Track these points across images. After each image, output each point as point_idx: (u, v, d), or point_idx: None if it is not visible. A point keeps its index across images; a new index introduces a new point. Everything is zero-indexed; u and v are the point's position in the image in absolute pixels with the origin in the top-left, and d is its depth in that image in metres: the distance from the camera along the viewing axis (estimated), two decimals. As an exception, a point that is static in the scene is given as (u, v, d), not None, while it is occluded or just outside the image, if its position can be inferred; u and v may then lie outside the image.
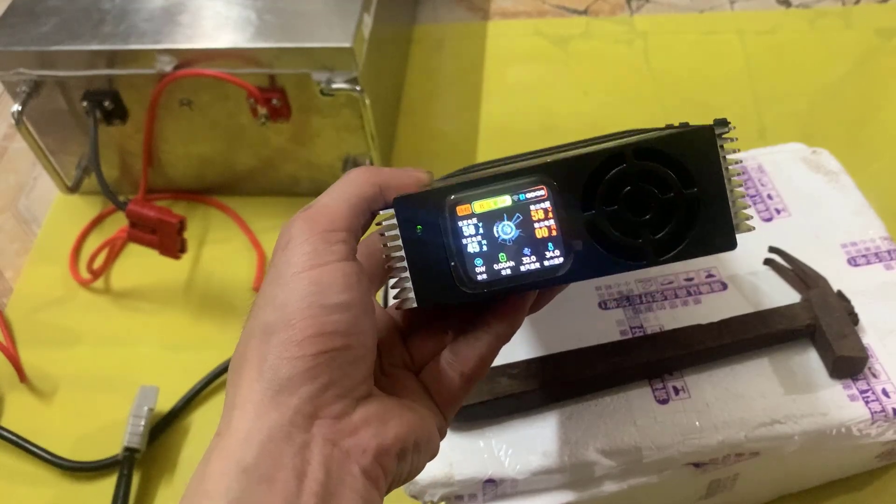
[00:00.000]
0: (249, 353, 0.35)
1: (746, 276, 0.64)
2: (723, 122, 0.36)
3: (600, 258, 0.36)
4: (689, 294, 0.63)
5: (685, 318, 0.61)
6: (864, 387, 0.57)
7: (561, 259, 0.36)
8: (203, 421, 0.76)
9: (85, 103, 0.82)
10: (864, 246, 0.66)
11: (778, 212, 0.69)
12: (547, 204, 0.36)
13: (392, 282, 0.38)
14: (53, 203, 0.96)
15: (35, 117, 0.85)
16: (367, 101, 0.78)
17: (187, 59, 0.78)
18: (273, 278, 0.36)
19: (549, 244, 0.36)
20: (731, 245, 0.35)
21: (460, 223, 0.37)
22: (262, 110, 0.81)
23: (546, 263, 0.36)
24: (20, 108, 0.80)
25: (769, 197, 0.70)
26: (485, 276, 0.37)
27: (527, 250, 0.36)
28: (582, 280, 0.36)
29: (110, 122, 0.85)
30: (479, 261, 0.37)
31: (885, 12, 1.07)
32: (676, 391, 0.57)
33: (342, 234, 0.36)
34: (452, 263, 0.37)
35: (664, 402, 0.57)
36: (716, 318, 0.59)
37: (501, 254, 0.37)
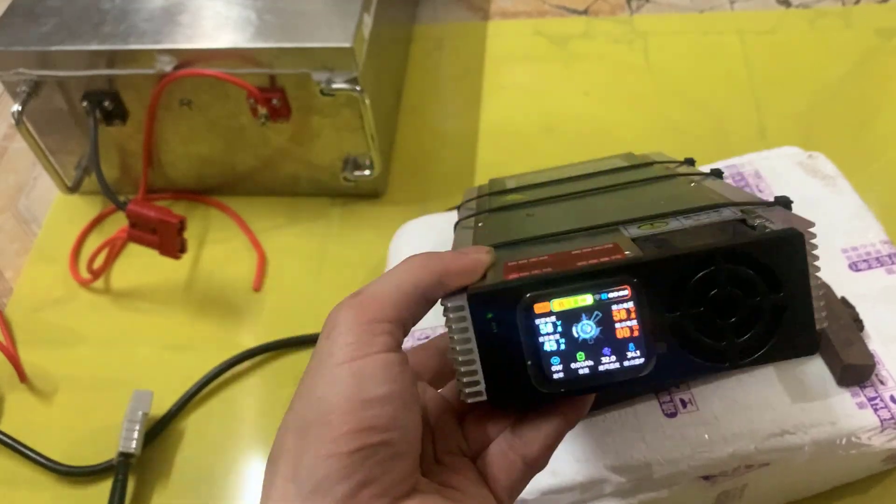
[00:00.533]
0: (285, 448, 0.33)
1: None
2: (788, 207, 0.36)
3: (682, 360, 0.35)
4: None
5: None
6: (872, 394, 0.57)
7: (642, 360, 0.35)
8: (198, 425, 0.76)
9: (85, 103, 0.82)
10: (865, 250, 0.66)
11: None
12: (630, 304, 0.35)
13: (458, 370, 0.37)
14: (53, 203, 0.96)
15: (35, 117, 0.85)
16: (367, 101, 0.78)
17: (187, 59, 0.78)
18: (314, 368, 0.34)
19: (631, 344, 0.35)
20: (814, 349, 0.35)
21: (538, 321, 0.35)
22: (262, 110, 0.81)
23: (626, 364, 0.35)
24: (20, 108, 0.80)
25: None
26: (561, 374, 0.36)
27: (606, 349, 0.35)
28: (661, 381, 0.36)
29: (110, 122, 0.85)
30: (555, 359, 0.36)
31: (885, 12, 1.07)
32: (684, 404, 0.57)
33: (388, 326, 0.34)
34: (529, 362, 0.35)
35: (672, 415, 0.57)
36: None
37: (580, 353, 0.35)
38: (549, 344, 0.35)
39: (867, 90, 0.98)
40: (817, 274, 0.35)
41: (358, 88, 0.77)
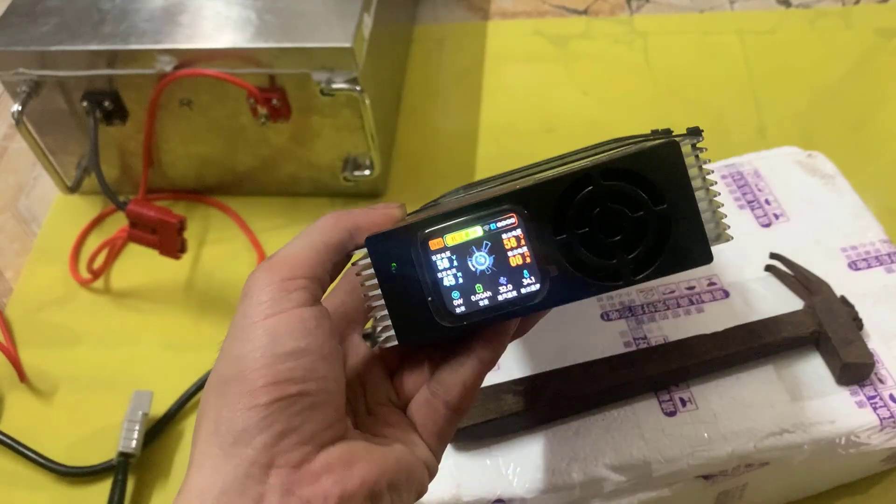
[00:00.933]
0: (206, 408, 0.34)
1: (748, 283, 0.64)
2: (695, 131, 0.36)
3: (576, 282, 0.35)
4: (692, 303, 0.63)
5: (688, 328, 0.60)
6: (872, 393, 0.57)
7: (538, 286, 0.36)
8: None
9: (85, 103, 0.82)
10: (864, 249, 0.66)
11: (776, 217, 0.69)
12: (518, 231, 0.36)
13: (371, 322, 0.38)
14: (53, 203, 0.96)
15: (35, 117, 0.85)
16: (367, 101, 0.78)
17: (187, 59, 0.78)
18: (231, 332, 0.35)
19: (525, 271, 0.36)
20: (707, 259, 0.35)
21: (434, 257, 0.36)
22: (262, 110, 0.81)
23: (523, 291, 0.36)
24: (20, 108, 0.80)
25: (767, 202, 0.70)
26: (463, 308, 0.37)
27: (503, 279, 0.36)
28: (561, 304, 0.36)
29: (110, 122, 0.85)
30: (455, 293, 0.37)
31: (885, 12, 1.07)
32: (683, 402, 0.57)
33: (302, 282, 0.36)
34: (430, 298, 0.37)
35: (671, 414, 0.57)
36: (719, 327, 0.59)
37: (478, 285, 0.36)
38: (448, 279, 0.37)
39: (867, 90, 0.98)
40: (707, 181, 0.35)
41: (358, 88, 0.77)
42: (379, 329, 0.38)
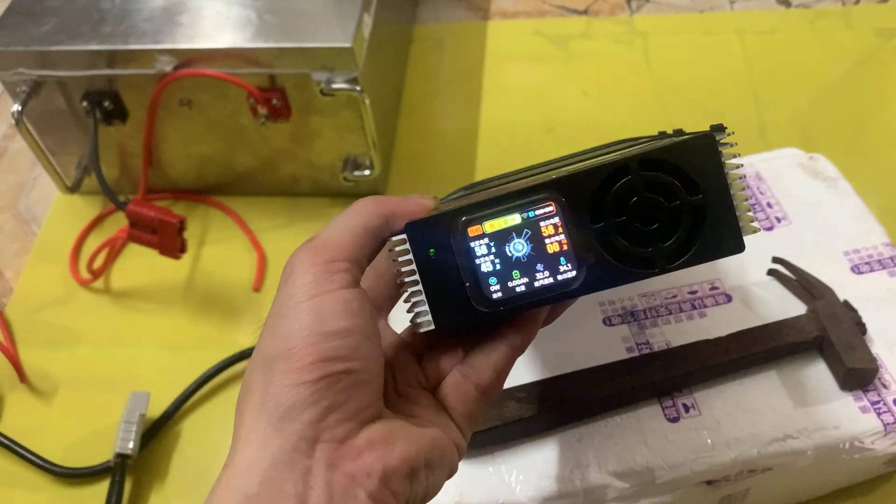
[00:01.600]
0: (253, 384, 0.35)
1: (751, 288, 0.64)
2: (720, 128, 0.37)
3: (612, 269, 0.36)
4: (694, 307, 0.63)
5: (691, 332, 0.60)
6: (875, 398, 0.57)
7: (574, 272, 0.37)
8: (196, 425, 0.76)
9: (85, 103, 0.82)
10: (867, 253, 0.65)
11: (778, 220, 0.68)
12: (556, 219, 0.37)
13: (406, 306, 0.39)
14: (53, 203, 0.96)
15: (35, 117, 0.85)
16: (367, 101, 0.78)
17: (187, 59, 0.78)
18: (276, 310, 0.36)
19: (562, 258, 0.37)
20: (740, 248, 0.36)
21: (472, 244, 0.37)
22: (262, 110, 0.81)
23: (559, 277, 0.37)
24: (20, 108, 0.80)
25: (769, 205, 0.69)
26: (500, 294, 0.37)
27: (540, 266, 0.37)
28: (596, 291, 0.37)
29: (110, 122, 0.84)
30: (493, 279, 0.37)
31: (885, 12, 1.07)
32: (686, 408, 0.57)
33: (344, 265, 0.36)
34: (467, 284, 0.37)
35: (675, 420, 0.57)
36: (722, 332, 0.59)
37: (515, 271, 0.37)
38: (486, 265, 0.37)
39: (867, 90, 0.98)
40: (737, 173, 0.36)
41: (358, 88, 0.77)
42: (416, 313, 0.38)
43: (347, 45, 0.75)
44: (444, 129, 0.99)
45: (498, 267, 0.37)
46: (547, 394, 0.57)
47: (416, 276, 0.38)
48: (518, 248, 0.37)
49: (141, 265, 0.87)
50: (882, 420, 0.56)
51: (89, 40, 0.79)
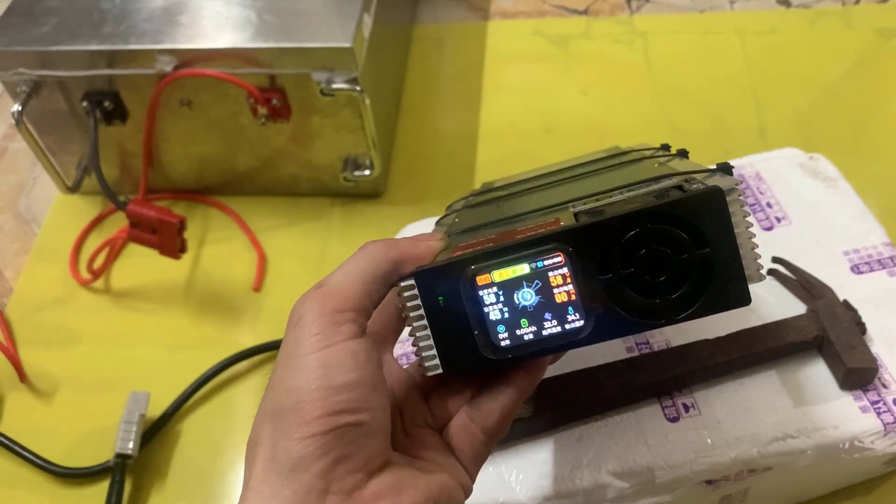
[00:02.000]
0: (262, 436, 0.36)
1: (750, 287, 0.63)
2: (727, 168, 0.37)
3: (620, 320, 0.37)
4: None
5: (691, 332, 0.60)
6: (875, 398, 0.57)
7: (581, 322, 0.37)
8: (196, 425, 0.76)
9: (85, 103, 0.82)
10: (867, 253, 0.65)
11: (778, 220, 0.68)
12: (565, 270, 0.37)
13: (414, 348, 0.39)
14: (53, 203, 0.96)
15: (35, 117, 0.85)
16: (367, 101, 0.78)
17: (187, 59, 0.78)
18: (284, 360, 0.36)
19: (570, 308, 0.37)
20: (746, 301, 0.36)
21: (481, 292, 0.38)
22: (262, 110, 0.81)
23: (567, 327, 0.37)
24: (20, 108, 0.80)
25: (768, 205, 0.69)
26: (508, 341, 0.38)
27: (548, 315, 0.37)
28: (603, 341, 0.37)
29: (110, 122, 0.84)
30: (501, 327, 0.38)
31: (885, 12, 1.07)
32: (686, 408, 0.57)
33: (351, 314, 0.36)
34: (476, 332, 0.38)
35: (675, 420, 0.57)
36: (721, 331, 0.59)
37: (523, 319, 0.37)
38: (494, 313, 0.38)
39: (867, 90, 0.98)
40: (747, 225, 0.36)
41: (358, 88, 0.77)
42: (423, 357, 0.39)
43: (347, 45, 0.75)
44: (443, 129, 0.99)
45: (506, 315, 0.37)
46: (547, 394, 0.56)
47: (425, 322, 0.38)
48: (526, 297, 0.37)
49: (141, 265, 0.87)
50: (882, 420, 0.56)
51: (89, 40, 0.79)
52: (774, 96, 0.98)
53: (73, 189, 0.89)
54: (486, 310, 0.38)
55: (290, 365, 0.36)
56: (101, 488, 0.71)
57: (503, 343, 0.38)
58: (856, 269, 0.65)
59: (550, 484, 0.55)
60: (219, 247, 0.90)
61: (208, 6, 0.81)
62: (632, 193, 0.38)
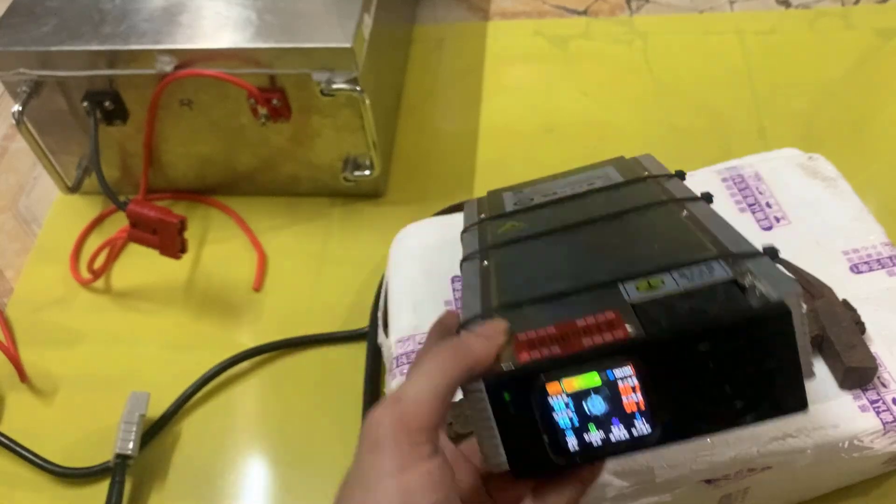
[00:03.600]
0: None
1: None
2: (774, 253, 0.39)
3: (686, 426, 0.38)
4: None
5: None
6: (874, 397, 0.57)
7: (649, 429, 0.38)
8: (196, 425, 0.76)
9: (85, 103, 0.82)
10: (866, 252, 0.65)
11: (777, 220, 0.68)
12: (635, 381, 0.37)
13: (481, 443, 0.39)
14: (54, 203, 0.96)
15: (35, 117, 0.85)
16: (367, 101, 0.78)
17: (187, 59, 0.78)
18: (359, 480, 0.36)
19: (637, 415, 0.38)
20: (803, 407, 0.37)
21: (551, 400, 0.38)
22: (263, 110, 0.81)
23: (635, 433, 0.38)
24: (21, 108, 0.80)
25: (768, 205, 0.69)
26: (576, 446, 0.38)
27: (615, 420, 0.38)
28: (668, 445, 0.38)
29: (111, 122, 0.85)
30: (569, 433, 0.38)
31: (885, 12, 1.07)
32: None
33: (427, 433, 0.36)
34: (545, 437, 0.38)
35: None
36: None
37: (591, 424, 0.38)
38: (563, 420, 0.38)
39: (867, 90, 0.98)
40: (805, 332, 0.37)
41: (358, 88, 0.77)
42: (489, 454, 0.39)
43: (347, 45, 0.75)
44: (444, 129, 0.99)
45: (575, 422, 0.38)
46: None
47: (493, 424, 0.39)
48: (596, 405, 0.38)
49: (141, 265, 0.87)
50: (881, 419, 0.56)
51: (90, 40, 0.79)
52: (774, 96, 0.98)
53: (74, 189, 0.89)
54: (555, 416, 0.38)
55: (369, 487, 0.35)
56: (102, 488, 0.71)
57: (571, 448, 0.38)
58: (855, 268, 0.65)
59: None
60: (219, 247, 0.90)
61: (208, 6, 0.81)
62: (684, 282, 0.39)
